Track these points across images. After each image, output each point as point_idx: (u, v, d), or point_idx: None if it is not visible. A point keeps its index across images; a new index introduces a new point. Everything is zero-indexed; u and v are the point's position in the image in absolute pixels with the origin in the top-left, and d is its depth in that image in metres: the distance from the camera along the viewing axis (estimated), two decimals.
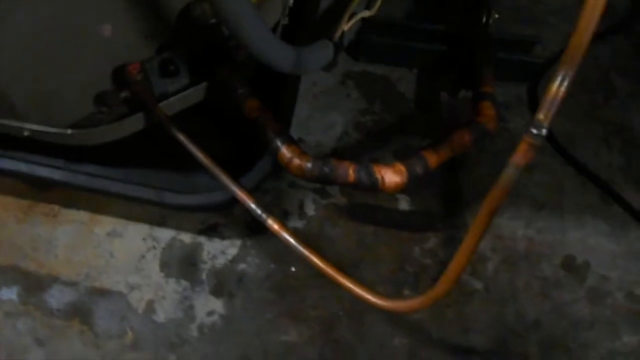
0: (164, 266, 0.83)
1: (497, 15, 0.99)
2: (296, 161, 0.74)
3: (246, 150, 0.84)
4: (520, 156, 0.47)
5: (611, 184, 0.98)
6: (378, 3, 1.09)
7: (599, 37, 1.13)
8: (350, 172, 0.73)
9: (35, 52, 0.66)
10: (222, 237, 0.87)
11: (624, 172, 1.01)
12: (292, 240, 0.71)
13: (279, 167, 0.79)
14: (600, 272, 0.89)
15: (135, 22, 0.71)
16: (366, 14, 1.08)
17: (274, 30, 0.84)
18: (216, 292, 0.82)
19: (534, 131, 0.48)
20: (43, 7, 0.63)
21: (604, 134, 1.05)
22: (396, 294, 0.84)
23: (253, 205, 0.72)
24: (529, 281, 0.87)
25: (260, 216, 0.72)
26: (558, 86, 0.45)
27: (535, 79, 1.12)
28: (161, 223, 0.87)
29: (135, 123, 0.79)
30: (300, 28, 0.94)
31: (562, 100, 0.45)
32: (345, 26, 0.98)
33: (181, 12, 0.74)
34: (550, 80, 0.45)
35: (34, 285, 0.81)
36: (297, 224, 0.90)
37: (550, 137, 1.04)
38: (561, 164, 1.01)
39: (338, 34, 0.96)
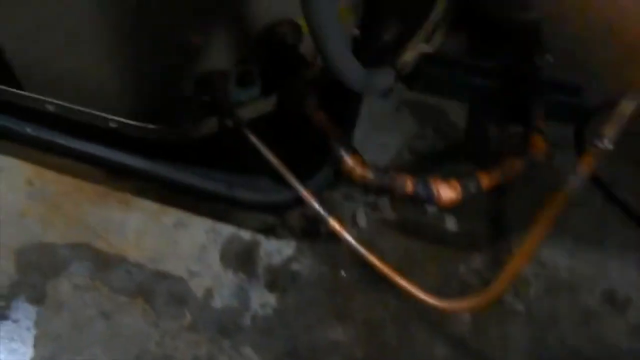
0: (224, 258, 0.89)
1: (551, 60, 1.05)
2: (358, 169, 0.80)
3: (302, 162, 0.91)
4: (585, 165, 0.51)
5: None
6: (438, 39, 1.17)
7: None
8: (408, 183, 0.79)
9: (135, 49, 0.75)
10: (279, 238, 0.93)
11: None
12: (351, 240, 0.76)
13: (339, 178, 0.85)
14: None
15: (222, 36, 0.80)
16: (426, 49, 1.16)
17: None
18: (270, 286, 0.87)
19: (599, 144, 0.51)
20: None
21: None
22: None
23: (317, 205, 0.78)
24: (570, 309, 0.89)
25: (323, 216, 0.78)
26: (629, 104, 0.48)
27: (583, 122, 1.17)
28: (223, 219, 0.94)
29: (211, 125, 0.87)
30: (364, 55, 1.02)
31: (632, 118, 0.49)
32: (407, 57, 1.06)
33: (264, 32, 0.83)
34: (625, 98, 0.49)
35: (103, 263, 0.87)
36: (350, 233, 0.95)
37: (594, 177, 1.08)
38: (604, 203, 1.04)
39: (400, 64, 1.04)
